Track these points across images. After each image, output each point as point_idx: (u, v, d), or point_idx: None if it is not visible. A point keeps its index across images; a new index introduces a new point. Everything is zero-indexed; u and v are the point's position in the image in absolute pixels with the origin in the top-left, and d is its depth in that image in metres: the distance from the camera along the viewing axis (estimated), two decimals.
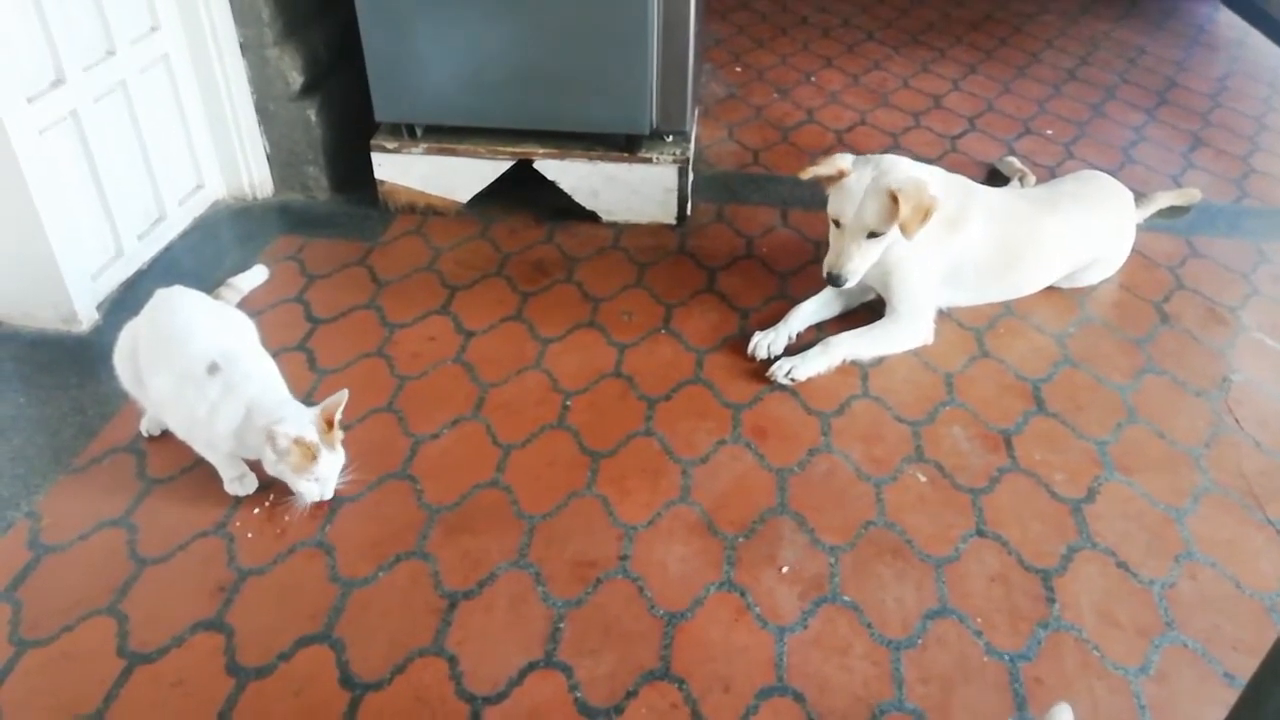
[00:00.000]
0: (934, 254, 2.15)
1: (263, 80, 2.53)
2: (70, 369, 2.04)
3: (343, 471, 1.72)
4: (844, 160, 2.04)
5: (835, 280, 2.07)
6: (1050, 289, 2.36)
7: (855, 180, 2.02)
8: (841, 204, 2.04)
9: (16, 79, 1.94)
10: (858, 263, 2.05)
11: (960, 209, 2.15)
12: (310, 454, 1.61)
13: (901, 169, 2.03)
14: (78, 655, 1.48)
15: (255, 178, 2.67)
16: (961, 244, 2.17)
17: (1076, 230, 2.28)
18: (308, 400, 1.80)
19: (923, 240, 2.05)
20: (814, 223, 2.64)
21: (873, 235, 2.03)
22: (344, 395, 1.64)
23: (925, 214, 1.97)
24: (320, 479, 1.66)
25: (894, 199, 1.96)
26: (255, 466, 1.73)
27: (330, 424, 1.64)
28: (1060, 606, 1.60)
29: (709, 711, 1.43)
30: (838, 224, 2.07)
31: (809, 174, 2.06)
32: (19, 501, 1.74)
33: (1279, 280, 2.45)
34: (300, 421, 1.62)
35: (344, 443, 1.70)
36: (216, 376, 1.64)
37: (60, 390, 1.99)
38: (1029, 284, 2.32)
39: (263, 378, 1.70)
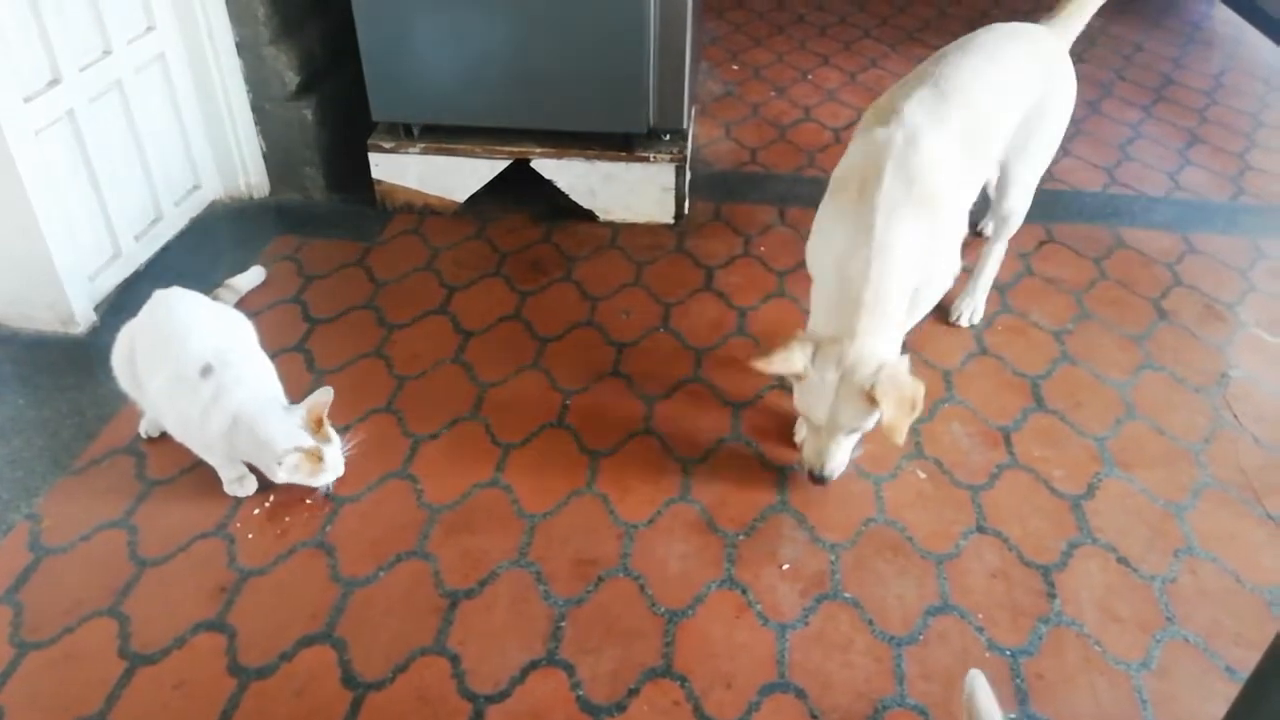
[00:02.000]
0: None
1: (259, 80, 2.52)
2: (68, 370, 2.04)
3: (344, 445, 1.73)
4: (800, 357, 1.61)
5: (820, 481, 1.73)
6: (1046, 287, 2.37)
7: (819, 382, 1.62)
8: (810, 404, 1.66)
9: (13, 79, 1.93)
10: (841, 459, 1.72)
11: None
12: (316, 456, 1.64)
13: (869, 358, 1.59)
14: (79, 657, 1.48)
15: (252, 178, 2.67)
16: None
17: (1015, 68, 1.94)
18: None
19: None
20: (812, 221, 2.63)
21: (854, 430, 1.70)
22: (329, 393, 1.65)
23: (913, 405, 1.58)
24: (331, 469, 1.68)
25: (871, 399, 1.59)
26: (255, 468, 1.73)
27: (319, 424, 1.65)
28: (1061, 602, 1.61)
29: (711, 708, 1.43)
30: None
31: (760, 367, 1.63)
32: (19, 504, 1.74)
33: (1276, 276, 2.46)
34: (291, 434, 1.62)
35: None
36: (209, 379, 1.64)
37: (59, 392, 1.99)
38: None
39: (252, 382, 1.70)
